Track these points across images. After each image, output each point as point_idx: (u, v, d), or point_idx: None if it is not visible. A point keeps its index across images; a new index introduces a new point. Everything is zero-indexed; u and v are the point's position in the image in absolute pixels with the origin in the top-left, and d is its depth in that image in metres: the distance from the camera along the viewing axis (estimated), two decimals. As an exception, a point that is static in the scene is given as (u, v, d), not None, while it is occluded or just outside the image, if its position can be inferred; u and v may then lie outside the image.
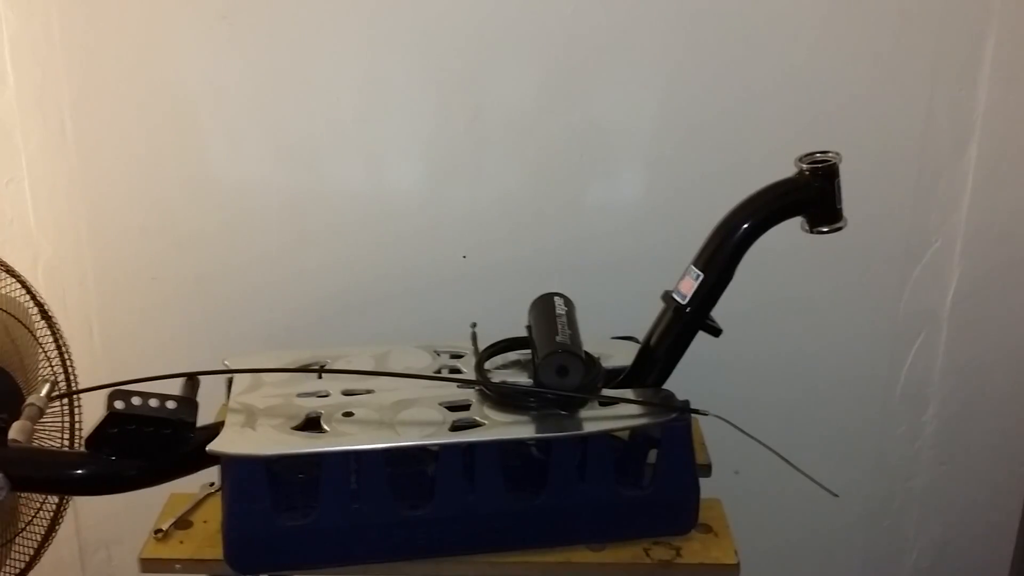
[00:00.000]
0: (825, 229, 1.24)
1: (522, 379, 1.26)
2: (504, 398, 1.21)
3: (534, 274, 1.51)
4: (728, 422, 1.19)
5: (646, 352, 1.28)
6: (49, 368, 1.38)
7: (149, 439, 1.11)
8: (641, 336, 1.37)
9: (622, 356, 1.32)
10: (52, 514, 1.37)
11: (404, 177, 1.50)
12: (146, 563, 1.18)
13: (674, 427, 1.19)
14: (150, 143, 1.46)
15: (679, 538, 1.22)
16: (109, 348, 1.56)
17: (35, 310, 1.38)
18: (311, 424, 1.16)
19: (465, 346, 1.34)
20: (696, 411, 1.21)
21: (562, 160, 1.49)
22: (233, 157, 1.48)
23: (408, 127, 1.47)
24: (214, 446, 1.10)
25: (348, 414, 1.18)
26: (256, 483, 1.12)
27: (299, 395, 1.22)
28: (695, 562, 1.20)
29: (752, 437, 1.22)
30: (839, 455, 1.65)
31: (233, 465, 1.12)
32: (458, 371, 1.30)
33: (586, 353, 1.27)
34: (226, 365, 1.27)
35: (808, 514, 1.69)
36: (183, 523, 1.24)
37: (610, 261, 1.53)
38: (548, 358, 1.19)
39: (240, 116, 1.45)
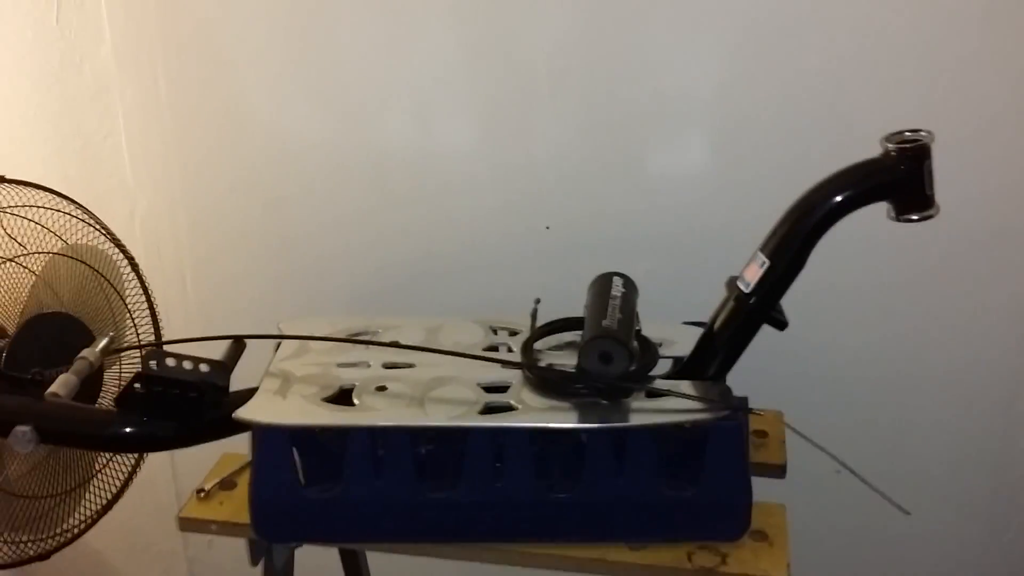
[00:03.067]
0: (915, 217, 1.11)
1: (572, 363, 1.20)
2: (544, 382, 1.15)
3: (608, 249, 1.43)
4: (789, 426, 1.09)
5: (707, 341, 1.18)
6: (132, 324, 1.42)
7: (178, 401, 1.11)
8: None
9: (689, 343, 1.23)
10: (133, 462, 1.42)
11: (477, 144, 1.45)
12: (184, 522, 1.20)
13: (723, 425, 1.10)
14: (236, 104, 1.47)
15: (729, 544, 1.13)
16: (202, 303, 1.60)
17: (126, 265, 1.42)
18: (343, 396, 1.14)
19: (525, 323, 1.28)
20: (749, 409, 1.12)
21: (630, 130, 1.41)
22: (310, 120, 1.46)
23: (489, 96, 1.42)
24: (240, 413, 1.10)
25: (382, 388, 1.14)
26: (281, 452, 1.10)
27: (339, 365, 1.20)
28: (739, 572, 1.11)
29: (811, 441, 1.11)
30: (953, 460, 1.51)
31: (258, 433, 1.11)
32: (510, 350, 1.24)
33: (642, 339, 1.19)
34: (280, 329, 1.26)
35: (916, 524, 1.55)
36: (228, 484, 1.24)
37: (693, 237, 1.43)
38: (591, 343, 1.11)
39: (317, 78, 1.44)
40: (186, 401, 1.11)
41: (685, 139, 1.40)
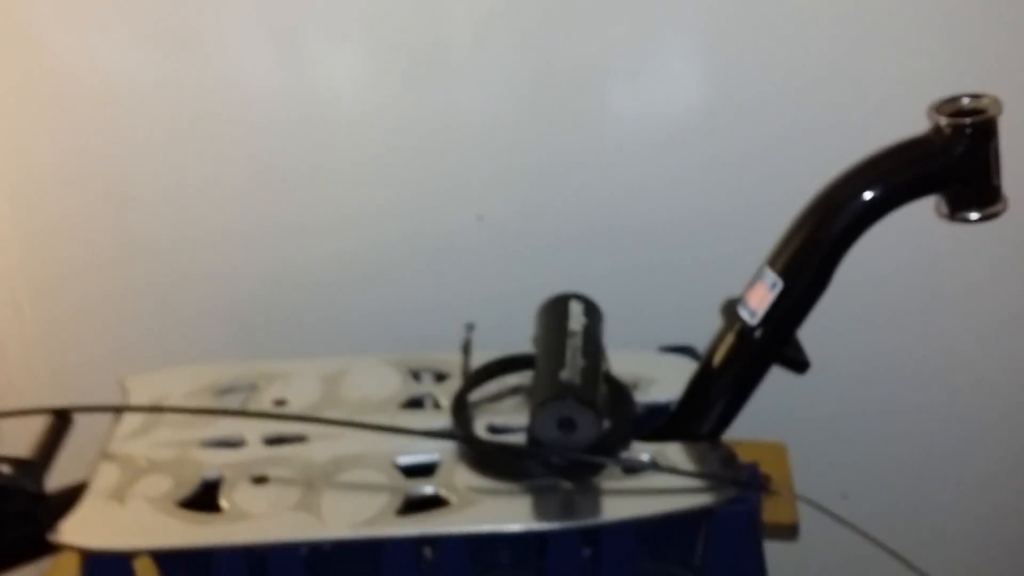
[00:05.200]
0: (974, 216, 0.82)
1: (522, 422, 0.89)
2: (486, 458, 0.85)
3: (560, 246, 1.12)
4: (817, 506, 0.81)
5: (701, 387, 0.89)
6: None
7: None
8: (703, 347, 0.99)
9: (672, 381, 0.94)
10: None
11: (382, 107, 1.11)
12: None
13: (732, 512, 0.81)
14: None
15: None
16: (44, 338, 1.25)
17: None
18: (207, 494, 0.83)
19: (454, 361, 0.97)
20: (766, 486, 0.83)
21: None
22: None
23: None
24: (61, 533, 0.78)
25: (260, 479, 0.83)
26: (118, 584, 0.79)
27: (204, 444, 0.88)
28: None
29: (850, 525, 0.83)
30: (988, 475, 1.25)
31: (87, 561, 0.79)
32: (438, 404, 0.93)
33: (613, 384, 0.89)
34: (122, 389, 0.94)
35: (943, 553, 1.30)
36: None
37: (672, 229, 1.12)
38: (545, 407, 0.81)
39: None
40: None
41: (659, 95, 1.08)
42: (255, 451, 0.87)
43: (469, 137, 1.10)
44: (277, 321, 1.16)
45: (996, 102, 0.78)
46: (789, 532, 0.98)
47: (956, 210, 0.82)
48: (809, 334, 0.86)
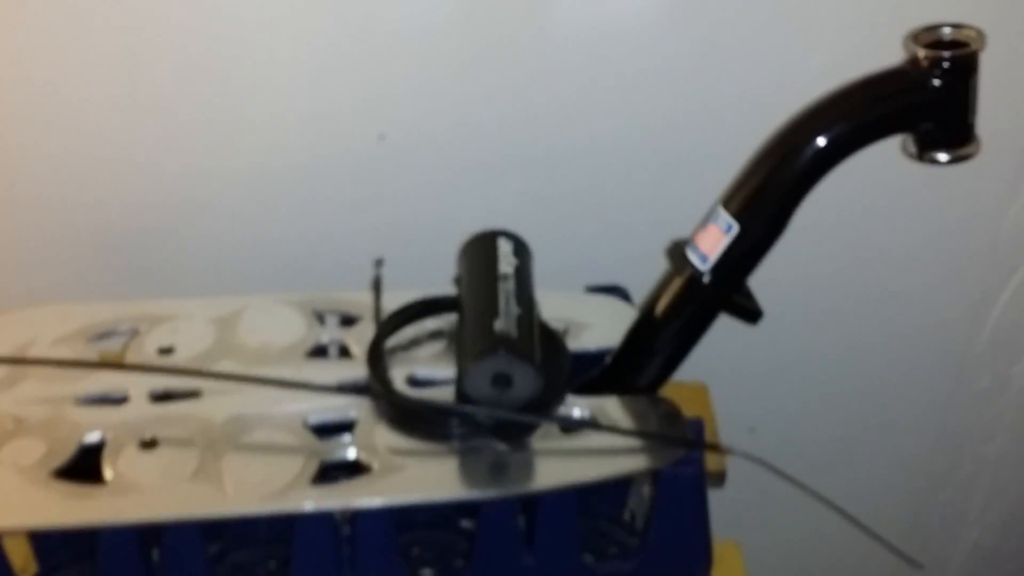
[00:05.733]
0: (944, 157, 0.75)
1: (445, 373, 0.80)
2: (408, 414, 0.76)
3: (477, 165, 1.02)
4: (766, 464, 0.75)
5: (641, 335, 0.81)
6: None
7: None
8: (635, 288, 0.92)
9: (605, 326, 0.86)
10: None
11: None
12: None
13: (679, 475, 0.74)
14: None
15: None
16: None
17: None
18: (87, 461, 0.72)
19: (364, 302, 0.87)
20: (714, 445, 0.77)
21: None
22: None
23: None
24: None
25: (150, 443, 0.72)
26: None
27: (80, 400, 0.76)
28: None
29: (795, 481, 0.78)
30: (900, 420, 1.23)
31: (-57, 543, 0.68)
32: (347, 352, 0.83)
33: (546, 332, 0.81)
34: (-20, 333, 0.81)
35: (844, 483, 1.28)
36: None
37: (604, 146, 1.02)
38: (479, 362, 0.73)
39: None
40: None
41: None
42: (141, 409, 0.76)
43: (370, 44, 0.98)
44: (155, 252, 1.02)
45: (980, 35, 0.72)
46: (717, 480, 0.93)
47: (925, 149, 0.75)
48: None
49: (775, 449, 1.13)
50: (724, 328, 0.82)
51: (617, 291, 0.91)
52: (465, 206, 1.02)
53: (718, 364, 0.91)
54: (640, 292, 0.93)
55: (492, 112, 1.00)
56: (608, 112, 0.98)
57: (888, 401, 1.22)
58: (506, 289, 0.78)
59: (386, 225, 1.02)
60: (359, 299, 0.87)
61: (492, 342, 0.73)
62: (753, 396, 1.20)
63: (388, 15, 0.94)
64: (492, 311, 0.75)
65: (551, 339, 0.80)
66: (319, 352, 0.83)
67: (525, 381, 0.73)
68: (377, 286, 0.87)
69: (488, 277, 0.79)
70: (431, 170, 1.03)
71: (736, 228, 0.75)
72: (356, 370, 0.80)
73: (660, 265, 0.92)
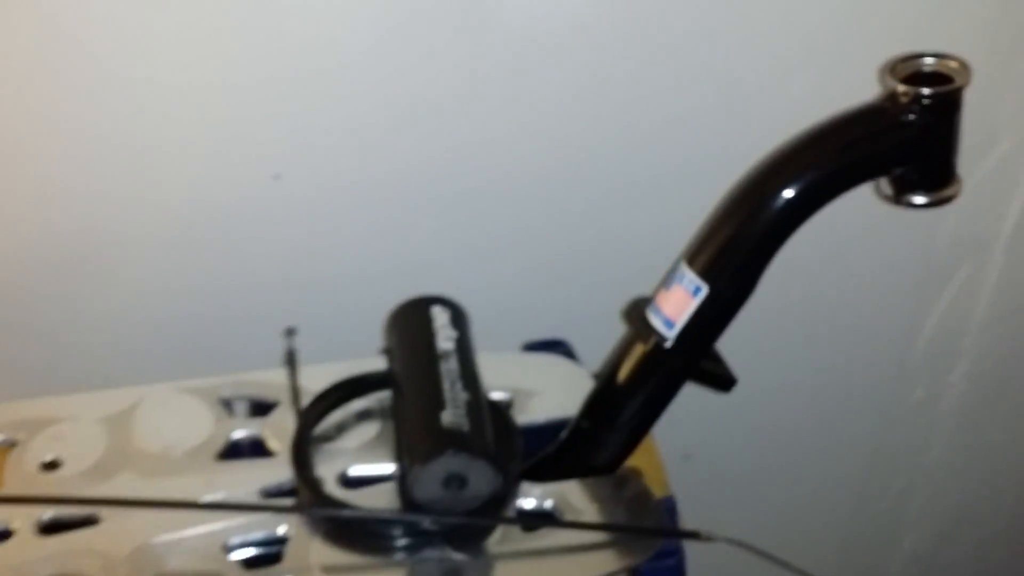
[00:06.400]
0: (921, 200, 0.69)
1: (383, 467, 0.70)
2: (348, 526, 0.66)
3: (384, 205, 0.90)
4: (750, 547, 0.68)
5: (600, 409, 0.73)
6: None
7: None
8: (574, 338, 0.83)
9: (553, 391, 0.77)
10: None
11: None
12: None
13: (660, 568, 0.67)
14: None
15: None
16: None
17: None
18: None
19: (276, 383, 0.76)
20: (694, 535, 0.69)
21: None
22: None
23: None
24: None
25: (42, 593, 0.61)
26: None
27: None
28: None
29: (778, 561, 0.71)
30: (836, 437, 1.18)
31: None
32: (262, 448, 0.72)
33: (494, 410, 0.71)
34: None
35: (782, 501, 1.23)
36: None
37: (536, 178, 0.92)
38: (430, 464, 0.63)
39: None
40: None
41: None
42: (28, 545, 0.64)
43: (265, 78, 0.86)
44: (25, 337, 0.89)
45: (964, 67, 0.65)
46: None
47: (903, 192, 0.69)
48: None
49: (710, 475, 1.07)
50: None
51: (559, 346, 0.83)
52: (376, 249, 0.92)
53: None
54: (581, 343, 0.85)
55: (402, 145, 0.89)
56: (535, 140, 0.89)
57: (824, 419, 1.18)
58: (449, 370, 0.68)
59: (287, 279, 0.91)
60: (271, 379, 0.76)
61: (441, 440, 0.64)
62: (686, 422, 1.13)
63: (284, 43, 0.82)
64: (437, 400, 0.66)
65: (500, 419, 0.71)
66: (232, 451, 0.72)
67: (481, 479, 0.64)
68: (291, 362, 0.76)
69: (427, 357, 0.69)
70: (331, 213, 0.92)
71: (705, 290, 0.67)
72: (279, 471, 0.69)
73: (598, 311, 0.84)
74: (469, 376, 0.68)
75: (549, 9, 0.82)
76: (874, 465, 1.22)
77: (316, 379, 0.74)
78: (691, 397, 1.12)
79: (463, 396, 0.66)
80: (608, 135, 0.88)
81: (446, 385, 0.67)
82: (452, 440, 0.63)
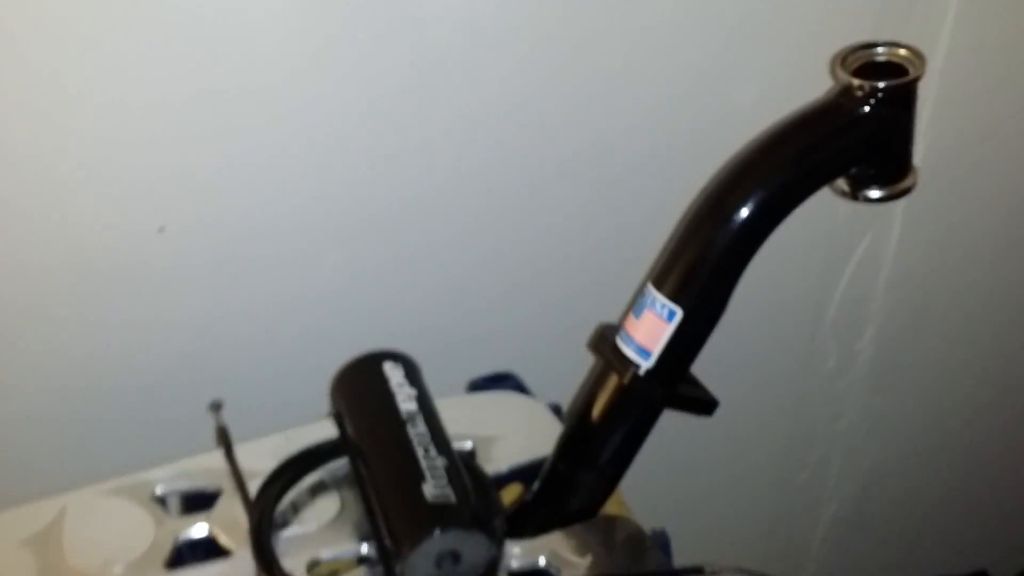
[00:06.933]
0: (879, 194, 0.67)
1: (353, 546, 0.64)
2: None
3: (288, 236, 0.82)
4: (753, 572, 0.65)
5: (576, 450, 0.68)
6: None
7: None
8: (529, 372, 0.79)
9: (515, 434, 0.72)
10: None
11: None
12: None
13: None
14: None
15: None
16: None
17: None
18: None
19: (212, 468, 0.68)
20: (698, 571, 0.65)
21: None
22: None
23: None
24: None
25: None
26: None
27: None
28: None
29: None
30: (755, 413, 1.17)
31: None
32: (215, 547, 0.65)
33: (469, 468, 0.66)
34: None
35: (709, 483, 1.22)
36: None
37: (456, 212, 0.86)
38: (419, 547, 0.57)
39: None
40: None
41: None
42: None
43: (149, 124, 0.77)
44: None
45: (918, 57, 0.63)
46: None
47: (860, 188, 0.67)
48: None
49: (636, 464, 1.04)
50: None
51: (507, 380, 0.78)
52: (275, 290, 0.84)
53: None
54: (527, 372, 0.80)
55: (301, 180, 0.82)
56: (447, 157, 0.83)
57: (742, 399, 1.15)
58: (418, 434, 0.62)
59: (175, 334, 0.82)
60: (206, 465, 0.68)
61: (430, 518, 0.58)
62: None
63: (165, 92, 0.74)
64: (415, 472, 0.60)
65: (475, 476, 0.66)
66: (179, 558, 0.64)
67: (476, 551, 0.59)
68: (226, 442, 0.69)
69: (392, 422, 0.63)
70: (228, 262, 0.83)
71: (680, 314, 0.63)
72: (239, 570, 0.62)
73: (542, 337, 0.79)
74: (440, 438, 0.63)
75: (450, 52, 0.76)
76: (793, 438, 1.23)
77: (254, 458, 0.67)
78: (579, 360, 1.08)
79: (440, 462, 0.61)
80: (534, 164, 0.83)
81: (419, 452, 0.61)
82: (441, 517, 0.58)
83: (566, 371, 0.77)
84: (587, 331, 0.80)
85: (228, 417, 0.70)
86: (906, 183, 0.66)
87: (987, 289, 1.19)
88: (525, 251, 0.85)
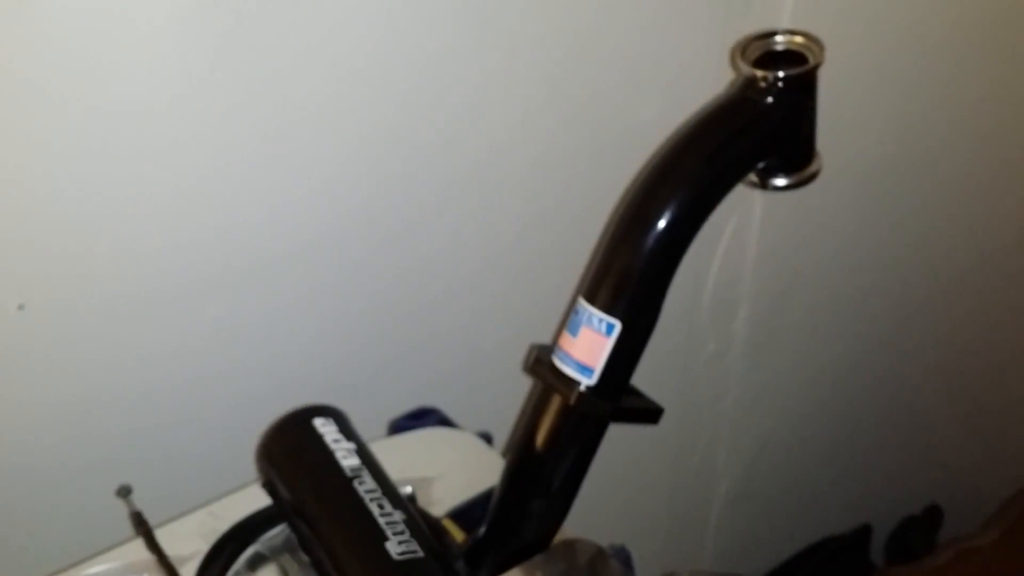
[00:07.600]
0: (783, 182, 0.67)
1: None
2: None
3: (162, 293, 0.76)
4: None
5: (524, 480, 0.66)
6: None
7: None
8: (459, 412, 0.76)
9: (453, 472, 0.69)
10: None
11: None
12: None
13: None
14: None
15: None
16: None
17: None
18: None
19: (138, 558, 0.62)
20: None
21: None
22: None
23: None
24: None
25: None
26: None
27: None
28: None
29: None
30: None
31: None
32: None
33: (427, 523, 0.63)
34: None
35: (607, 474, 1.22)
36: None
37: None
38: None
39: None
40: None
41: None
42: None
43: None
44: None
45: (816, 44, 0.63)
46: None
47: (768, 177, 0.67)
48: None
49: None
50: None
51: (431, 415, 0.75)
52: (151, 352, 0.77)
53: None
54: (444, 403, 0.77)
55: (169, 235, 0.76)
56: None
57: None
58: (368, 491, 0.59)
59: (36, 418, 0.75)
60: (132, 555, 0.63)
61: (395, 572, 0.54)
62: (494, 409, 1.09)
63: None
64: (374, 531, 0.56)
65: (429, 525, 0.63)
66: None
67: (447, 603, 0.56)
68: (144, 527, 0.63)
69: (338, 481, 0.59)
70: (85, 338, 0.76)
71: (618, 326, 0.62)
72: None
73: (437, 369, 0.77)
74: (389, 490, 0.59)
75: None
76: (682, 424, 1.24)
77: (181, 539, 0.62)
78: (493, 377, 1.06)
79: (398, 515, 0.57)
80: (420, 190, 0.80)
81: (374, 509, 0.57)
82: (413, 575, 0.54)
83: (486, 397, 0.75)
84: (500, 353, 0.77)
85: (140, 501, 0.65)
86: (812, 168, 0.67)
87: (847, 256, 1.24)
88: (420, 282, 0.82)
